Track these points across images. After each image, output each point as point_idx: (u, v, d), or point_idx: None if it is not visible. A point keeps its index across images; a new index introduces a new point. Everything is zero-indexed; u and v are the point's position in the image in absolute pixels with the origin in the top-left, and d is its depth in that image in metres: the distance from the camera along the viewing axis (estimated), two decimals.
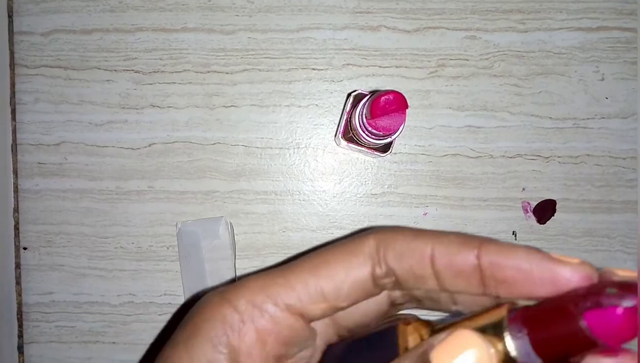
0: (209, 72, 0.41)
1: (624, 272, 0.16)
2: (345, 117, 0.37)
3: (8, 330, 0.41)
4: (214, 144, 0.41)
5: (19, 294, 0.42)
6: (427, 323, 0.18)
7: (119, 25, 0.41)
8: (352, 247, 0.19)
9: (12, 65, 0.41)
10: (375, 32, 0.41)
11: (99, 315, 0.42)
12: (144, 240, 0.42)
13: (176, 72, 0.41)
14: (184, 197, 0.41)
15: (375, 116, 0.31)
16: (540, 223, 0.42)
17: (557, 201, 0.42)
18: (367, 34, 0.41)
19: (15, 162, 0.42)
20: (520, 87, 0.41)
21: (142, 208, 0.41)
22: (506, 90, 0.41)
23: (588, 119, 0.41)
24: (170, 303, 0.42)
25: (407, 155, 0.41)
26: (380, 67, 0.41)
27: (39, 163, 0.42)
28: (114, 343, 0.42)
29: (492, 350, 0.15)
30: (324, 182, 0.42)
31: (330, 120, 0.42)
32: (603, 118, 0.41)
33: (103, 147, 0.41)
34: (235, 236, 0.41)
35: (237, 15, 0.41)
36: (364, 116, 0.32)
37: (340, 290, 0.18)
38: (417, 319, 0.19)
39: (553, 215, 0.42)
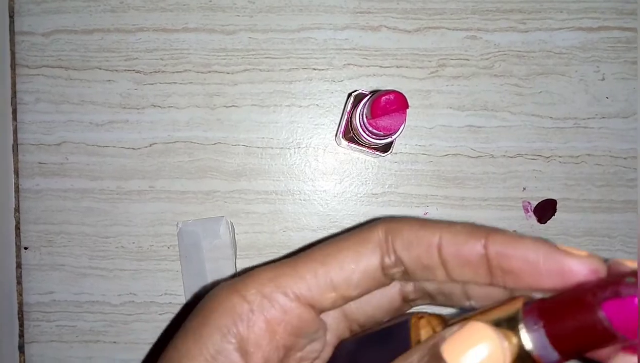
0: (209, 72, 0.41)
1: (632, 263, 0.15)
2: (345, 116, 0.37)
3: (9, 329, 0.41)
4: (214, 143, 0.41)
5: (20, 294, 0.42)
6: (440, 317, 0.18)
7: (120, 26, 0.41)
8: (361, 236, 0.19)
9: (13, 65, 0.41)
10: (376, 32, 0.41)
11: (100, 314, 0.42)
12: (145, 239, 0.42)
13: (177, 72, 0.41)
14: (184, 197, 0.41)
15: (376, 116, 0.31)
16: (541, 223, 0.42)
17: (557, 201, 0.42)
18: (367, 34, 0.41)
19: (16, 161, 0.42)
20: (521, 86, 0.41)
21: (143, 208, 0.42)
22: (507, 90, 0.41)
23: (589, 118, 0.41)
24: (171, 302, 0.42)
25: (408, 155, 0.41)
26: (380, 67, 0.41)
27: (40, 163, 0.42)
28: (114, 342, 0.42)
29: (506, 343, 0.15)
30: (324, 182, 0.42)
31: (331, 120, 0.42)
32: (604, 118, 0.41)
33: (104, 147, 0.41)
34: (235, 236, 0.41)
35: (238, 16, 0.41)
36: (364, 116, 0.32)
37: (349, 279, 0.18)
38: (430, 313, 0.18)
39: (554, 215, 0.42)
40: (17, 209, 0.42)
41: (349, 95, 0.37)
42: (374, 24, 0.41)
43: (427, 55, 0.41)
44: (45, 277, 0.42)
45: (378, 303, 0.20)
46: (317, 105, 0.41)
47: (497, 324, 0.15)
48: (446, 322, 0.18)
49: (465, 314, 0.17)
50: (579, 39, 0.41)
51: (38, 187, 0.42)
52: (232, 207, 0.42)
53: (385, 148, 0.37)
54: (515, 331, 0.15)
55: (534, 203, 0.42)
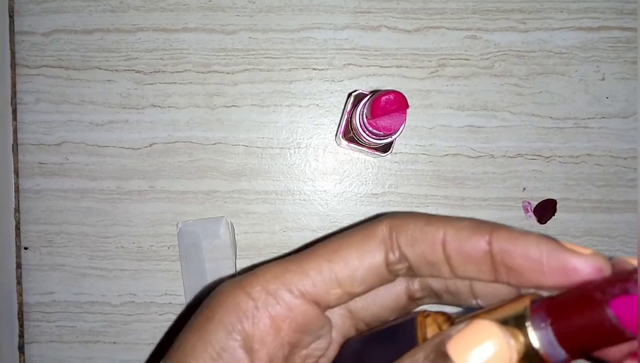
0: (209, 72, 0.41)
1: (637, 260, 0.15)
2: (345, 116, 0.37)
3: (9, 330, 0.41)
4: (214, 143, 0.41)
5: (20, 294, 0.42)
6: (447, 315, 0.18)
7: (119, 25, 0.41)
8: (365, 232, 0.19)
9: (13, 65, 0.41)
10: (376, 31, 0.41)
11: (100, 315, 0.42)
12: (145, 240, 0.42)
13: (177, 72, 0.41)
14: (184, 197, 0.41)
15: (376, 116, 0.31)
16: (541, 223, 0.42)
17: (557, 201, 0.42)
18: (367, 34, 0.41)
19: (16, 162, 0.42)
20: (521, 86, 0.41)
21: (143, 208, 0.42)
22: (507, 90, 0.41)
23: (589, 118, 0.41)
24: (170, 303, 0.42)
25: (408, 155, 0.41)
26: (380, 66, 0.41)
27: (40, 163, 0.42)
28: (114, 343, 0.42)
29: (513, 342, 0.15)
30: (324, 182, 0.42)
31: (331, 120, 0.42)
32: (604, 118, 0.41)
33: (104, 147, 0.41)
34: (235, 236, 0.41)
35: (238, 15, 0.41)
36: (364, 116, 0.32)
37: (354, 275, 0.18)
38: (437, 311, 0.18)
39: (554, 215, 0.42)
40: (17, 209, 0.42)
41: (349, 95, 0.37)
42: (374, 23, 0.41)
43: (427, 55, 0.41)
44: (45, 277, 0.42)
45: (384, 302, 0.20)
46: (317, 105, 0.41)
47: (504, 322, 0.15)
48: (453, 321, 0.17)
49: (472, 312, 0.17)
50: (579, 38, 0.41)
51: (38, 187, 0.42)
52: (232, 207, 0.41)
53: (385, 148, 0.37)
54: (523, 329, 0.15)
55: (534, 203, 0.42)
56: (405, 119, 0.32)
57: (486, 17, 0.41)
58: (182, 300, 0.42)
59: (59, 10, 0.41)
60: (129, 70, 0.41)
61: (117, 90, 0.41)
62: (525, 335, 0.15)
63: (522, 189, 0.42)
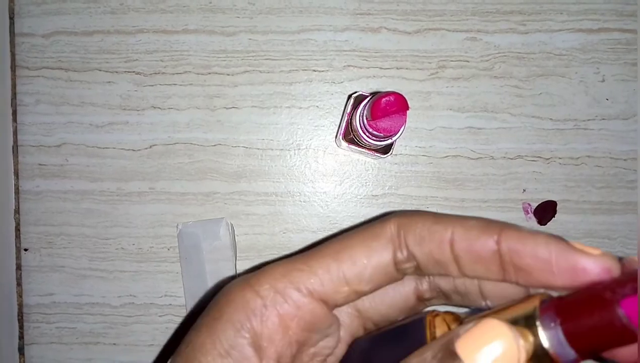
0: (209, 73, 0.41)
1: None
2: (346, 118, 0.37)
3: (9, 331, 0.41)
4: (214, 145, 0.41)
5: (20, 295, 0.42)
6: (456, 315, 0.18)
7: (119, 27, 0.41)
8: (373, 231, 0.19)
9: (13, 66, 0.41)
10: (376, 33, 0.41)
11: (100, 316, 0.42)
12: (145, 241, 0.42)
13: (177, 73, 0.41)
14: (184, 199, 0.41)
15: (376, 117, 0.31)
16: (541, 225, 0.42)
17: (557, 202, 0.42)
18: (367, 36, 0.41)
19: (16, 163, 0.42)
20: (521, 88, 0.41)
21: (143, 209, 0.42)
22: (507, 92, 0.41)
23: (589, 120, 0.41)
24: (170, 304, 0.42)
25: (408, 156, 0.41)
26: (380, 68, 0.41)
27: (40, 164, 0.42)
28: (114, 344, 0.42)
29: (522, 341, 0.15)
30: (324, 184, 0.42)
31: (331, 122, 0.42)
32: (604, 119, 0.41)
33: (104, 148, 0.41)
34: (235, 237, 0.41)
35: (238, 17, 0.41)
36: (364, 117, 0.32)
37: (362, 274, 0.18)
38: (446, 311, 0.18)
39: (554, 217, 0.42)
40: (17, 211, 0.42)
41: (349, 96, 0.37)
42: (374, 25, 0.41)
43: (427, 57, 0.41)
44: (45, 278, 0.42)
45: (392, 302, 0.20)
46: (317, 106, 0.41)
47: (514, 322, 0.15)
48: (462, 321, 0.17)
49: (481, 313, 0.17)
50: (579, 40, 0.41)
51: (38, 189, 0.42)
52: (232, 208, 0.41)
53: (386, 149, 0.37)
54: (532, 329, 0.15)
55: (534, 204, 0.42)
56: (406, 121, 0.32)
57: (486, 18, 0.41)
58: (182, 302, 0.42)
59: (59, 12, 0.41)
60: (129, 71, 0.41)
61: (117, 92, 0.41)
62: (535, 335, 0.15)
63: (522, 191, 0.42)
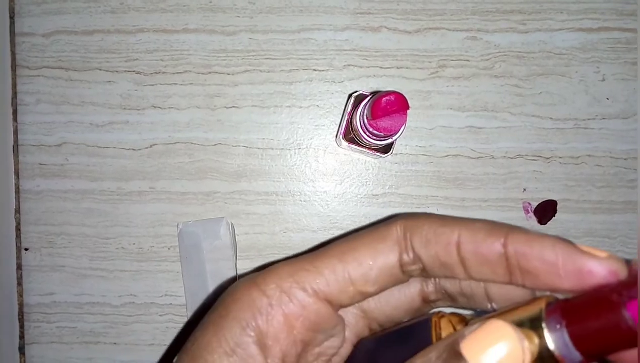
0: (210, 73, 0.41)
1: None
2: (346, 117, 0.37)
3: (9, 330, 0.41)
4: (215, 144, 0.41)
5: (20, 295, 0.42)
6: (462, 317, 0.18)
7: (120, 27, 0.41)
8: (379, 233, 0.19)
9: (14, 66, 0.41)
10: (376, 32, 0.41)
11: (100, 315, 0.42)
12: (145, 240, 0.42)
13: (177, 73, 0.41)
14: (185, 198, 0.41)
15: (377, 117, 0.31)
16: (541, 224, 0.42)
17: (557, 201, 0.42)
18: (368, 35, 0.41)
19: (16, 162, 0.42)
20: (521, 87, 0.41)
21: (143, 209, 0.42)
22: (507, 91, 0.41)
23: (589, 119, 0.41)
24: (171, 304, 0.42)
25: (408, 155, 0.41)
26: (381, 67, 0.41)
27: (40, 164, 0.42)
28: (115, 343, 0.42)
29: (527, 343, 0.15)
30: (325, 183, 0.42)
31: (331, 121, 0.42)
32: (604, 118, 0.41)
33: (104, 147, 0.41)
34: (236, 237, 0.41)
35: (238, 17, 0.41)
36: (365, 117, 0.32)
37: (367, 275, 0.18)
38: (452, 313, 0.18)
39: (554, 216, 0.42)
40: (17, 210, 0.42)
41: (350, 96, 0.37)
42: (374, 24, 0.41)
43: (427, 56, 0.41)
44: (45, 278, 0.42)
45: (397, 303, 0.20)
46: (318, 106, 0.41)
47: (519, 324, 0.15)
48: (467, 322, 0.17)
49: (487, 314, 0.17)
50: (579, 39, 0.41)
51: (38, 188, 0.42)
52: (233, 208, 0.42)
53: (386, 149, 0.37)
54: (537, 331, 0.15)
55: (535, 204, 0.42)
56: (406, 120, 0.32)
57: (486, 18, 0.41)
58: (182, 301, 0.42)
59: (59, 11, 0.41)
60: (129, 71, 0.41)
61: (118, 91, 0.41)
62: (540, 337, 0.15)
63: (523, 190, 0.42)
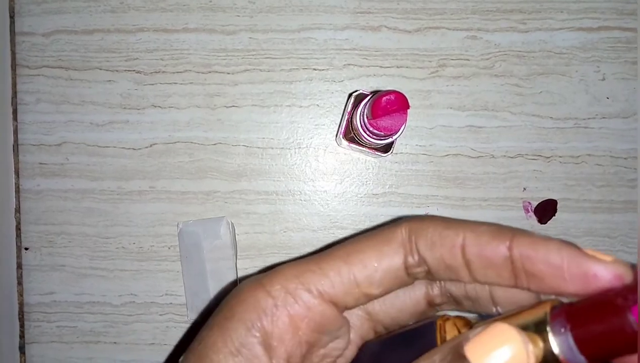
0: (210, 72, 0.41)
1: None
2: (346, 117, 0.37)
3: (9, 330, 0.41)
4: (215, 144, 0.41)
5: (21, 294, 0.42)
6: (467, 320, 0.18)
7: (120, 26, 0.41)
8: (384, 235, 0.19)
9: (14, 65, 0.41)
10: (376, 32, 0.41)
11: (101, 315, 0.42)
12: (146, 240, 0.42)
13: (177, 72, 0.41)
14: (185, 197, 0.41)
15: (377, 116, 0.31)
16: (541, 223, 0.42)
17: (558, 201, 0.42)
18: (368, 34, 0.41)
19: (16, 162, 0.42)
20: (521, 87, 0.41)
21: (144, 208, 0.42)
22: (507, 90, 0.41)
23: (589, 118, 0.41)
24: (171, 303, 0.42)
25: (408, 155, 0.41)
26: (381, 67, 0.41)
27: (41, 163, 0.42)
28: (115, 343, 0.42)
29: (531, 346, 0.15)
30: (325, 182, 0.42)
31: (332, 120, 0.42)
32: (604, 118, 0.41)
33: (104, 147, 0.41)
34: (236, 236, 0.41)
35: (238, 16, 0.41)
36: (365, 116, 0.32)
37: (372, 277, 0.18)
38: (457, 316, 0.18)
39: (554, 215, 0.42)
40: (17, 210, 0.42)
41: (350, 95, 0.37)
42: (374, 24, 0.41)
43: (427, 56, 0.41)
44: (45, 277, 0.42)
45: (403, 306, 0.20)
46: (318, 105, 0.41)
47: (524, 327, 0.15)
48: (472, 325, 0.17)
49: (492, 318, 0.17)
50: (579, 39, 0.41)
51: (39, 188, 0.42)
52: (233, 207, 0.42)
53: (386, 148, 0.37)
54: (542, 335, 0.15)
55: (535, 203, 0.42)
56: (406, 119, 0.32)
57: (486, 17, 0.41)
58: (182, 301, 0.42)
59: (59, 10, 0.41)
60: (129, 70, 0.41)
61: (118, 91, 0.41)
62: (545, 340, 0.15)
63: (523, 189, 0.42)
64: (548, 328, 0.15)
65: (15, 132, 0.42)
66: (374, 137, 0.33)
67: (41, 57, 0.41)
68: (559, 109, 0.41)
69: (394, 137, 0.33)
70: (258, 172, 0.42)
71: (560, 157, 0.41)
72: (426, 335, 0.18)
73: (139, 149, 0.41)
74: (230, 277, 0.41)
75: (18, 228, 0.42)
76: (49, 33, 0.41)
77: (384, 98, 0.31)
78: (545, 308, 0.15)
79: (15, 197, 0.42)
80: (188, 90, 0.41)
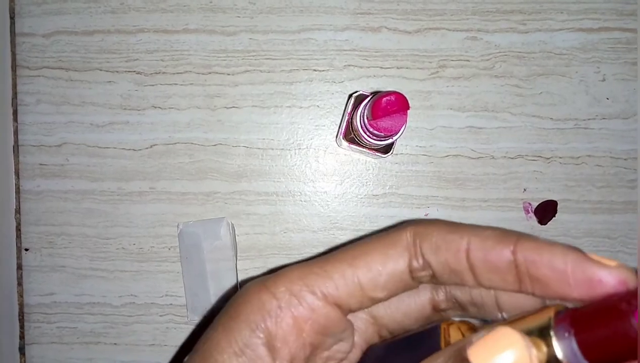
0: (210, 73, 0.41)
1: None
2: (346, 118, 0.37)
3: (9, 331, 0.41)
4: (215, 145, 0.41)
5: (21, 295, 0.42)
6: (471, 324, 0.18)
7: (120, 27, 0.41)
8: (389, 239, 0.19)
9: (14, 66, 0.41)
10: (376, 33, 0.41)
11: (101, 316, 0.42)
12: (146, 241, 0.42)
13: (177, 73, 0.41)
14: (185, 198, 0.41)
15: (377, 117, 0.31)
16: (542, 224, 0.42)
17: (558, 202, 0.42)
18: (368, 35, 0.41)
19: (16, 163, 0.42)
20: (521, 87, 0.41)
21: (144, 209, 0.42)
22: (507, 91, 0.41)
23: (589, 119, 0.41)
24: (171, 304, 0.42)
25: (409, 156, 0.41)
26: (381, 68, 0.41)
27: (41, 164, 0.42)
28: (115, 344, 0.42)
29: (534, 351, 0.15)
30: (325, 183, 0.42)
31: (332, 121, 0.42)
32: (604, 119, 0.41)
33: (104, 148, 0.41)
34: (236, 237, 0.41)
35: (239, 17, 0.41)
36: (365, 117, 0.32)
37: (377, 281, 0.18)
38: (461, 320, 0.18)
39: (554, 216, 0.42)
40: (17, 210, 0.42)
41: (350, 96, 0.37)
42: (374, 25, 0.41)
43: (427, 56, 0.41)
44: (45, 278, 0.42)
45: (408, 310, 0.20)
46: (318, 106, 0.41)
47: (528, 332, 0.15)
48: (476, 330, 0.17)
49: (496, 322, 0.17)
50: (579, 39, 0.41)
51: (39, 189, 0.42)
52: (233, 208, 0.42)
53: (386, 149, 0.37)
54: (546, 339, 0.15)
55: (535, 204, 0.42)
56: (406, 120, 0.32)
57: (486, 18, 0.41)
58: (182, 302, 0.42)
59: (59, 11, 0.41)
60: (129, 71, 0.41)
61: (118, 92, 0.41)
62: (549, 345, 0.15)
63: (523, 190, 0.42)
64: (552, 333, 0.15)
65: (16, 132, 0.42)
66: (374, 137, 0.33)
67: (41, 58, 0.41)
68: (559, 110, 0.41)
69: (394, 138, 0.33)
70: (258, 173, 0.42)
71: (560, 158, 0.41)
72: (430, 338, 0.18)
73: (139, 149, 0.41)
74: (230, 278, 0.41)
75: (18, 229, 0.42)
76: (49, 34, 0.41)
77: (384, 99, 0.31)
78: (550, 313, 0.15)
79: (16, 197, 0.42)
80: (188, 91, 0.41)
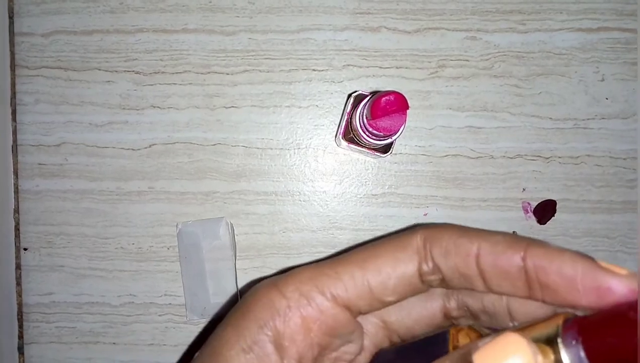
0: (209, 73, 0.41)
1: None
2: (345, 117, 0.37)
3: (8, 330, 0.41)
4: (214, 144, 0.41)
5: (20, 295, 0.42)
6: (479, 331, 0.18)
7: (119, 27, 0.41)
8: (399, 242, 0.19)
9: (13, 66, 0.41)
10: (376, 33, 0.41)
11: (100, 315, 0.42)
12: (145, 240, 0.42)
13: (177, 73, 0.41)
14: (184, 198, 0.41)
15: (376, 117, 0.31)
16: (541, 224, 0.42)
17: (557, 201, 0.42)
18: (367, 35, 0.41)
19: (15, 162, 0.42)
20: (521, 87, 0.41)
21: (143, 209, 0.42)
22: (506, 91, 0.41)
23: (588, 119, 0.41)
24: (170, 304, 0.42)
25: (408, 155, 0.41)
26: (380, 67, 0.41)
27: (40, 164, 0.42)
28: (114, 343, 0.42)
29: (540, 358, 0.14)
30: (324, 183, 0.42)
31: (331, 121, 0.42)
32: (603, 118, 0.41)
33: (103, 147, 0.41)
34: (235, 237, 0.41)
35: (238, 17, 0.41)
36: (364, 117, 0.32)
37: (386, 283, 0.19)
38: (470, 326, 0.18)
39: (553, 216, 0.42)
40: (16, 210, 0.42)
41: (349, 96, 0.37)
42: (373, 24, 0.41)
43: (426, 56, 0.41)
44: (44, 278, 0.42)
45: (419, 316, 0.20)
46: (317, 106, 0.41)
47: (536, 339, 0.15)
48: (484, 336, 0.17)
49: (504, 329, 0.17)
50: (579, 39, 0.41)
51: (37, 188, 0.42)
52: (232, 208, 0.41)
53: (385, 149, 0.37)
54: (553, 346, 0.15)
55: (534, 204, 0.42)
56: (405, 120, 0.32)
57: (486, 18, 0.41)
58: (181, 301, 0.42)
59: (58, 11, 0.41)
60: (128, 71, 0.41)
61: (117, 91, 0.41)
62: (556, 352, 0.15)
63: (522, 190, 0.42)
64: (559, 340, 0.15)
65: (14, 132, 0.41)
66: (374, 137, 0.33)
67: (40, 57, 0.41)
68: (558, 110, 0.41)
69: (394, 138, 0.33)
70: (257, 173, 0.41)
71: (559, 157, 0.41)
72: (439, 343, 0.18)
73: (138, 149, 0.41)
74: (229, 278, 0.41)
75: (17, 229, 0.42)
76: (48, 33, 0.41)
77: (384, 98, 0.31)
78: (558, 321, 0.15)
79: (14, 197, 0.42)
80: (187, 91, 0.41)
